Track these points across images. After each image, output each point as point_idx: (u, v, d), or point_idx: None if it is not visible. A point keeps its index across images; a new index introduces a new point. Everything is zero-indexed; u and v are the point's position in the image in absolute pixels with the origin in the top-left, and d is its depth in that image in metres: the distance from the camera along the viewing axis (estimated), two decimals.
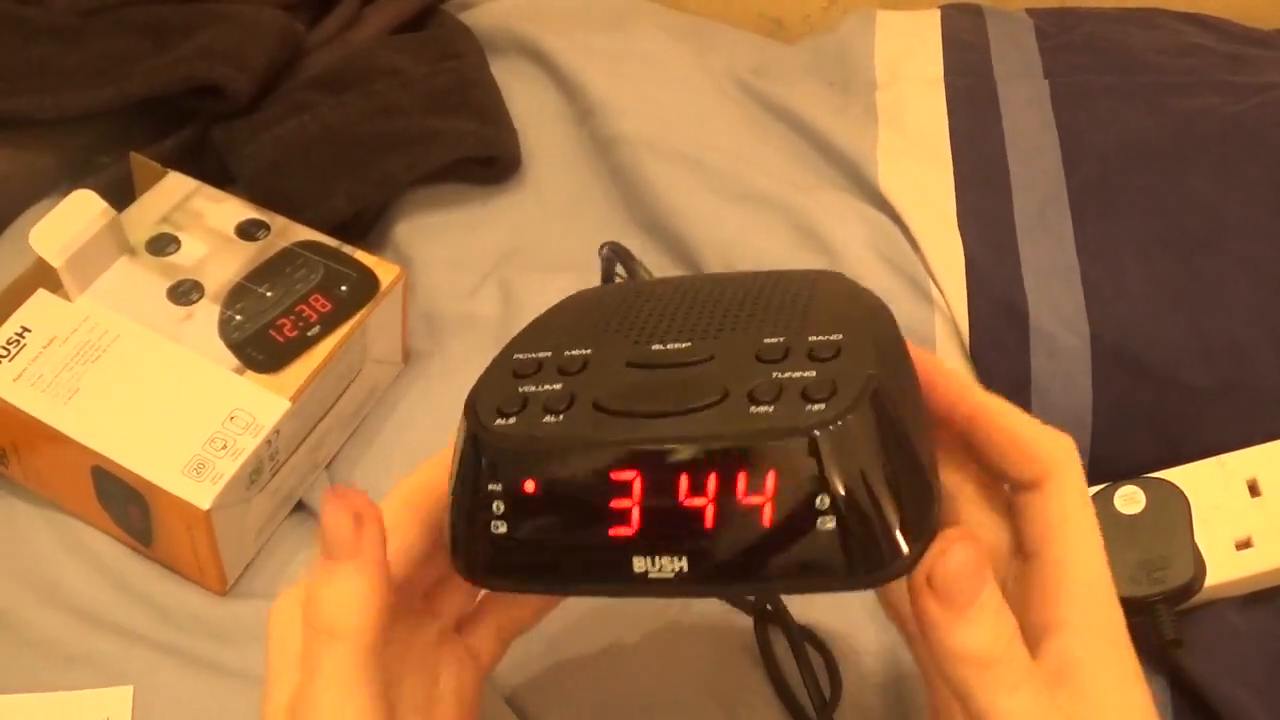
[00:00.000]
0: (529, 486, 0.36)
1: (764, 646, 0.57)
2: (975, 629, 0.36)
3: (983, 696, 0.36)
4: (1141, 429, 0.63)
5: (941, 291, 0.65)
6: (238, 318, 0.61)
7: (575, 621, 0.58)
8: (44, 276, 0.61)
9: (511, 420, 0.37)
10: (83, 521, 0.61)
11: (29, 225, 0.61)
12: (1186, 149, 0.69)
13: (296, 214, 0.67)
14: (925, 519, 0.36)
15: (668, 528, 0.35)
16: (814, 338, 0.37)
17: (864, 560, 0.34)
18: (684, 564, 0.35)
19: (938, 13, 0.81)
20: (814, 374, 0.35)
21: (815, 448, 0.34)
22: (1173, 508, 0.60)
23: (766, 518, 0.34)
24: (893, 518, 0.35)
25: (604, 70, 0.77)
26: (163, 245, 0.64)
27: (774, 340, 0.37)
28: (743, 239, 0.68)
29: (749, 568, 0.35)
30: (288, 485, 0.61)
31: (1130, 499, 0.60)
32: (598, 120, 0.75)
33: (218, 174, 0.71)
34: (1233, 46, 0.78)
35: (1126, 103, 0.72)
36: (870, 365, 0.35)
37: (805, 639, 0.57)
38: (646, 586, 0.35)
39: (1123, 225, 0.67)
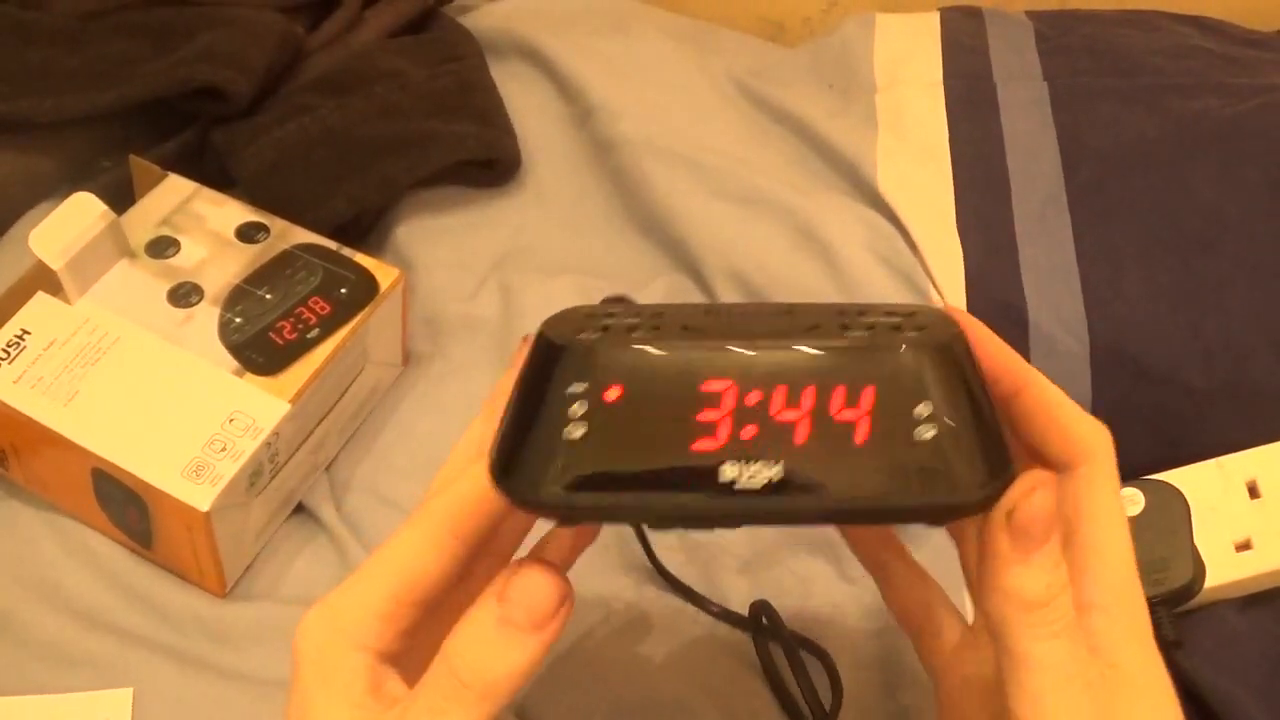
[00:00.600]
0: (614, 393, 0.34)
1: (763, 657, 0.57)
2: (1036, 571, 0.37)
3: (1024, 638, 0.37)
4: (1141, 430, 0.63)
5: (940, 294, 0.65)
6: (237, 320, 0.61)
7: (574, 624, 0.58)
8: (44, 279, 0.61)
9: (597, 335, 0.35)
10: (82, 523, 0.61)
11: (29, 228, 0.61)
12: (1186, 151, 0.69)
13: (296, 216, 0.67)
14: (1009, 454, 0.36)
15: (762, 437, 0.34)
16: (890, 310, 0.37)
17: (960, 482, 0.35)
18: (777, 471, 0.34)
19: (937, 15, 0.81)
20: (900, 317, 0.35)
21: (918, 362, 0.34)
22: (1172, 509, 0.60)
23: (864, 432, 0.34)
24: (989, 441, 0.35)
25: (604, 73, 0.77)
26: (162, 248, 0.64)
27: (856, 308, 0.37)
28: (742, 241, 0.68)
29: (844, 482, 0.34)
30: (287, 487, 0.61)
31: (1130, 500, 0.60)
32: (597, 122, 0.75)
33: (218, 177, 0.71)
34: (1232, 48, 0.78)
35: (1126, 105, 0.72)
36: (946, 316, 0.36)
37: (802, 646, 0.57)
38: (734, 500, 0.34)
39: (1122, 227, 0.67)
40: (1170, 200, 0.67)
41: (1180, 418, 0.63)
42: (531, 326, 0.68)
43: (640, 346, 0.34)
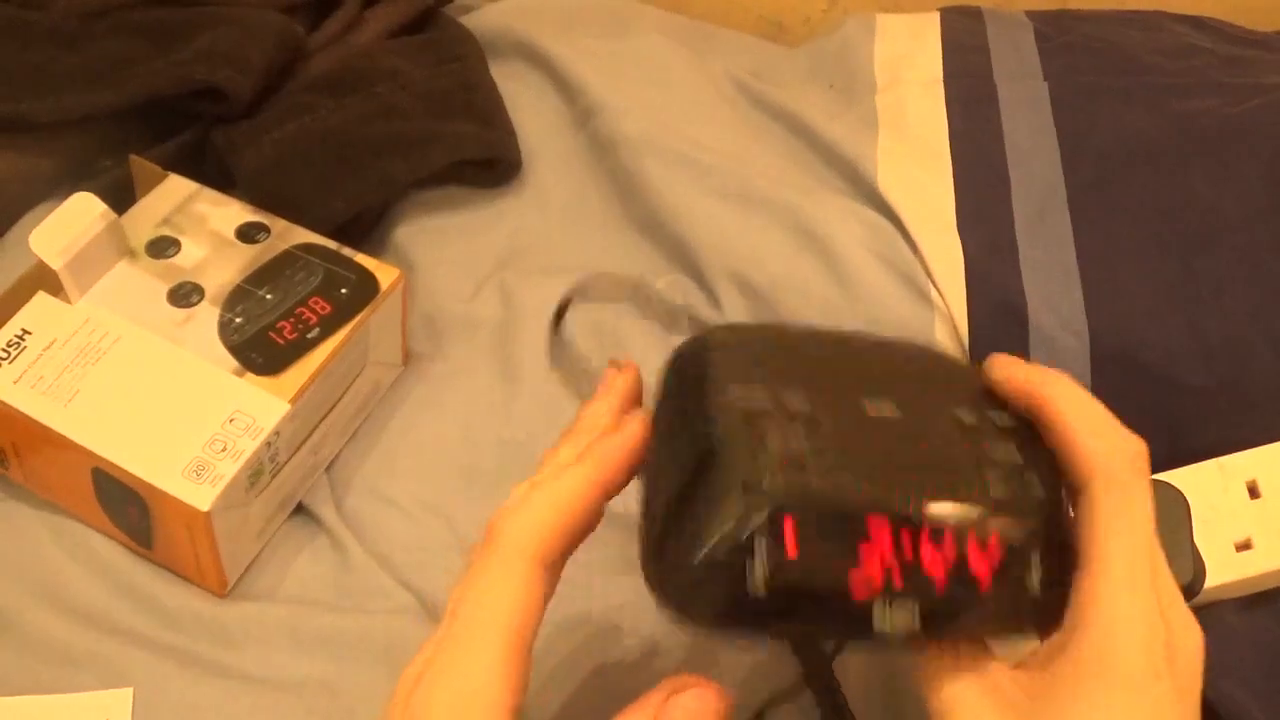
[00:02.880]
0: (788, 533, 0.37)
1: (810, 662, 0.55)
2: None
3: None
4: (1141, 429, 0.62)
5: (941, 293, 0.65)
6: (238, 320, 0.61)
7: (572, 622, 0.58)
8: (44, 279, 0.61)
9: (778, 478, 0.37)
10: (83, 523, 0.61)
11: (29, 228, 0.61)
12: (1186, 150, 0.69)
13: (297, 216, 0.67)
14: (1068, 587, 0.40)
15: (907, 582, 0.38)
16: (992, 412, 0.41)
17: (1047, 620, 0.40)
18: (914, 618, 0.38)
19: (937, 15, 0.81)
20: (1011, 447, 0.40)
21: (1037, 522, 0.39)
22: (1172, 509, 0.60)
23: (988, 581, 0.38)
24: (1064, 593, 0.40)
25: (604, 73, 0.77)
26: (163, 248, 0.64)
27: (962, 410, 0.40)
28: (742, 241, 0.68)
29: (963, 625, 0.39)
30: (288, 487, 0.61)
31: None
32: (598, 123, 0.75)
33: (218, 177, 0.71)
34: (1231, 48, 0.78)
35: (1126, 104, 0.72)
36: (1039, 442, 0.40)
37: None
38: (872, 639, 0.38)
39: (1122, 226, 0.67)
40: (1170, 199, 0.67)
41: (1180, 417, 0.63)
42: (532, 327, 0.69)
43: (810, 482, 0.37)
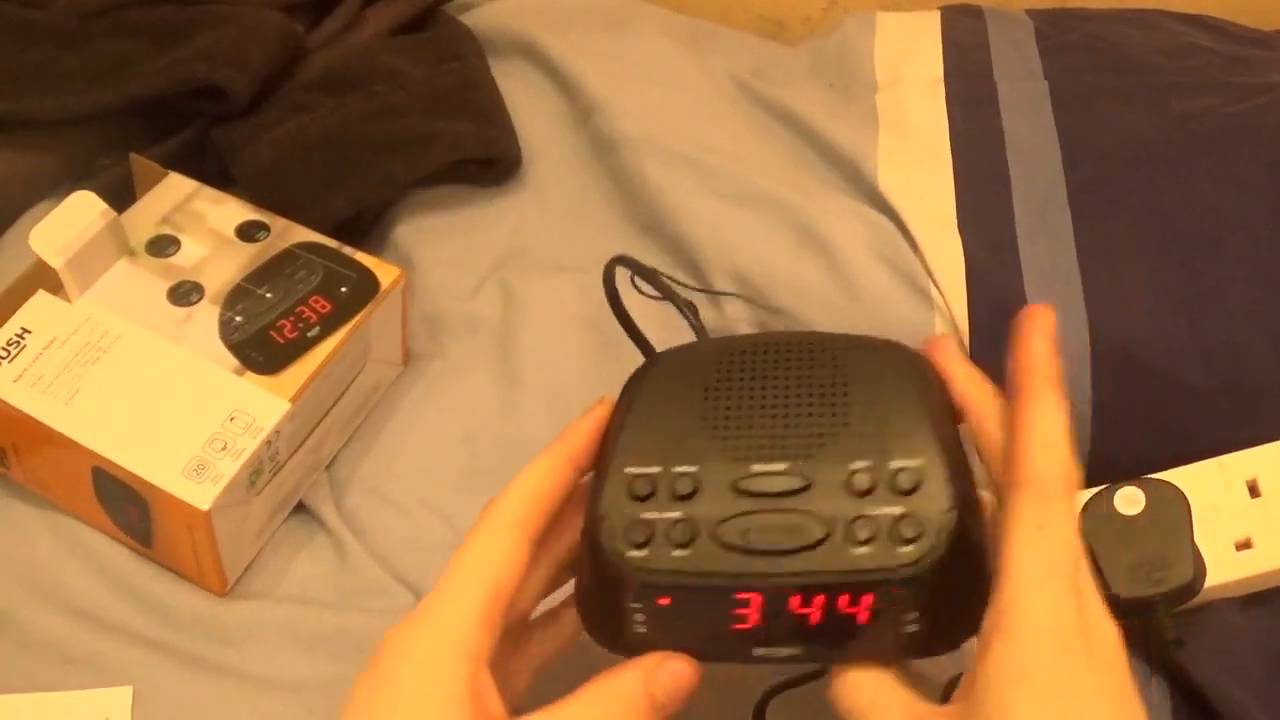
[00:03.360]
0: (665, 603, 0.43)
1: None
2: None
3: None
4: (1141, 429, 0.63)
5: (941, 293, 0.65)
6: (238, 319, 0.61)
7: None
8: (44, 278, 0.61)
9: (644, 552, 0.43)
10: (83, 522, 0.61)
11: (29, 226, 0.61)
12: (1186, 150, 0.69)
13: (297, 215, 0.67)
14: (981, 609, 0.43)
15: (782, 629, 0.44)
16: (895, 463, 0.43)
17: (939, 646, 0.44)
18: (795, 650, 0.44)
19: (937, 14, 0.81)
20: (900, 511, 0.43)
21: (909, 585, 0.42)
22: (1173, 508, 0.60)
23: (863, 621, 0.43)
24: (962, 620, 0.44)
25: (604, 72, 0.77)
26: (163, 246, 0.64)
27: (861, 466, 0.44)
28: (743, 240, 0.68)
29: (846, 651, 0.44)
30: (288, 486, 0.61)
31: (1130, 499, 0.60)
32: (598, 122, 0.75)
33: (218, 175, 0.71)
34: (1232, 47, 0.78)
35: (1126, 104, 0.72)
36: (946, 498, 0.43)
37: None
38: (763, 663, 0.45)
39: (1123, 226, 0.67)
40: (1171, 199, 0.67)
41: (1181, 417, 0.63)
42: (532, 326, 0.69)
43: (683, 569, 0.43)
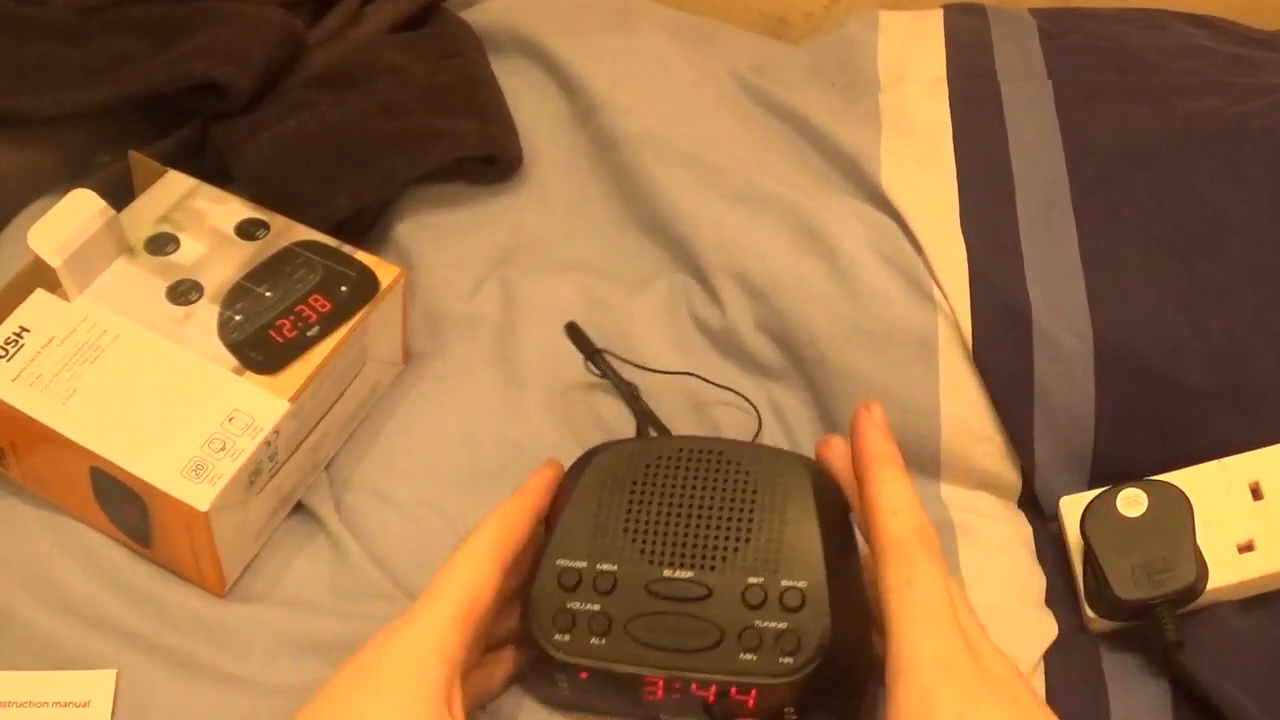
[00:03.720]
0: (584, 677, 0.52)
1: None
2: None
3: None
4: (1144, 431, 0.63)
5: (944, 293, 0.65)
6: (237, 318, 0.61)
7: None
8: (42, 276, 0.61)
9: (567, 637, 0.52)
10: (81, 522, 0.61)
11: (28, 224, 0.61)
12: (1190, 151, 0.68)
13: (297, 213, 0.66)
14: (851, 704, 0.54)
15: (684, 704, 0.52)
16: (785, 582, 0.51)
17: None
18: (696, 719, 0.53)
19: (940, 12, 0.80)
20: (784, 626, 0.51)
21: (787, 688, 0.51)
22: (1175, 510, 0.60)
23: (751, 707, 0.52)
24: (835, 709, 0.53)
25: (606, 69, 0.77)
26: (162, 245, 0.64)
27: (756, 581, 0.52)
28: (745, 241, 0.68)
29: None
30: (287, 486, 0.61)
31: (1132, 501, 0.60)
32: (599, 120, 0.75)
33: (218, 173, 0.71)
34: (1236, 48, 0.78)
35: (1129, 104, 0.71)
36: (824, 617, 0.51)
37: None
38: None
39: (1126, 227, 0.66)
40: (1174, 201, 0.67)
41: (1183, 419, 0.63)
42: (532, 325, 0.69)
43: (599, 655, 0.52)
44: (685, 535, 0.53)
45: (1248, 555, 0.59)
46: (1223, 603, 0.59)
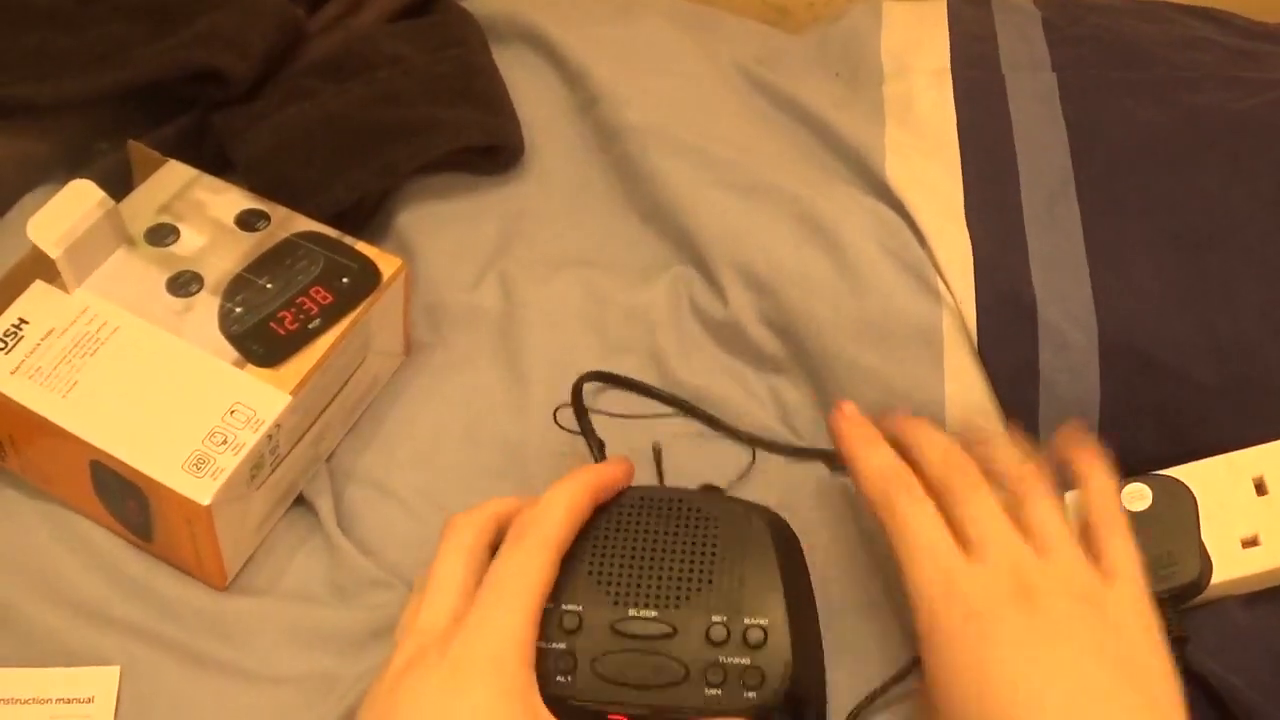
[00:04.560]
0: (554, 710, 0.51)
1: None
2: None
3: None
4: (1149, 425, 0.63)
5: (949, 286, 0.65)
6: (238, 310, 0.61)
7: None
8: (42, 267, 0.60)
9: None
10: (81, 515, 0.60)
11: (26, 214, 0.60)
12: (1195, 145, 0.68)
13: (297, 202, 0.66)
14: None
15: None
16: (747, 620, 0.53)
17: None
18: None
19: (944, 3, 0.80)
20: (748, 662, 0.52)
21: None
22: (1180, 505, 0.59)
23: None
24: None
25: (608, 59, 0.77)
26: (162, 236, 0.64)
27: (719, 620, 0.53)
28: (748, 233, 0.68)
29: None
30: (289, 479, 0.61)
31: (1137, 496, 0.60)
32: (602, 110, 0.75)
33: (218, 161, 0.70)
34: (1241, 41, 0.77)
35: (1135, 97, 0.71)
36: (786, 653, 0.52)
37: None
38: None
39: (1132, 221, 0.66)
40: (1180, 195, 0.66)
41: (1189, 414, 0.62)
42: (534, 317, 0.69)
43: (562, 695, 0.52)
44: (648, 577, 0.54)
45: (1252, 550, 0.59)
46: (1227, 599, 0.59)
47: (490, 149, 0.74)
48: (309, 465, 0.62)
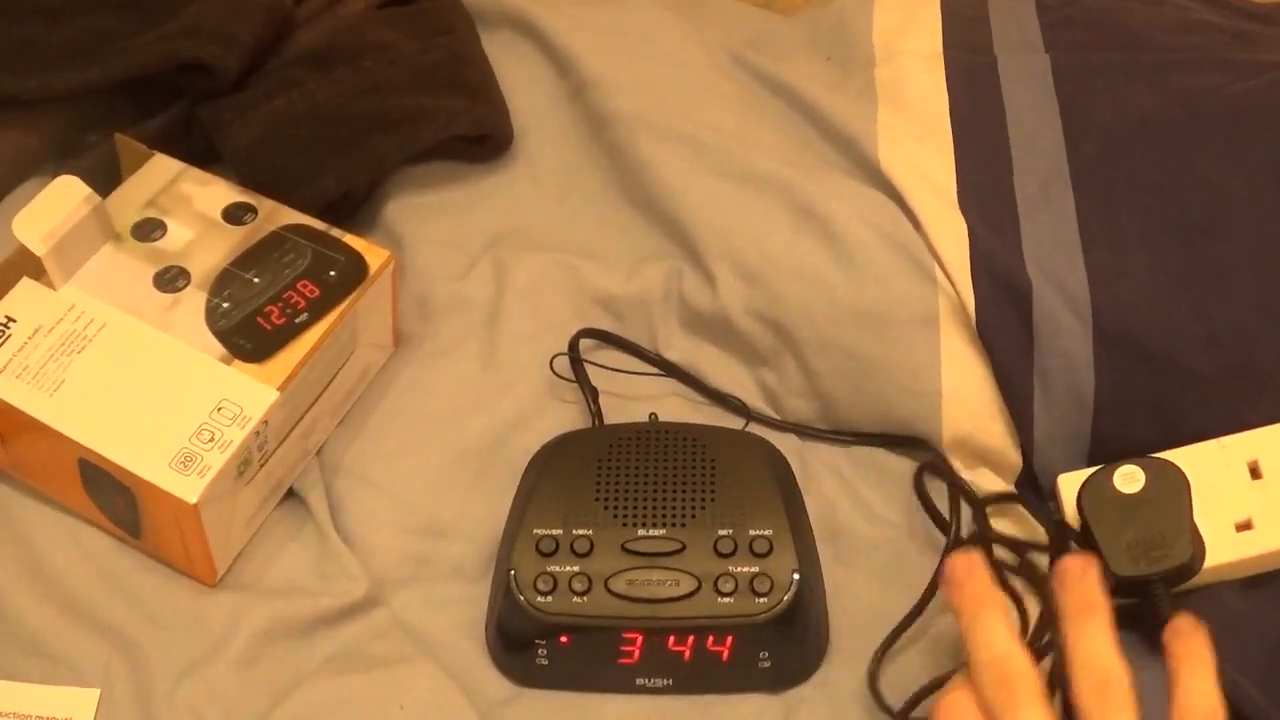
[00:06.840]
0: (565, 641, 0.55)
1: None
2: None
3: None
4: (1143, 411, 0.63)
5: (946, 272, 0.64)
6: (225, 305, 0.61)
7: None
8: (28, 264, 0.60)
9: (549, 598, 0.55)
10: (70, 513, 0.60)
11: (13, 209, 0.60)
12: (1190, 129, 0.67)
13: (285, 194, 0.66)
14: (819, 656, 0.58)
15: (659, 663, 0.56)
16: (753, 531, 0.56)
17: (784, 683, 0.58)
18: (669, 681, 0.57)
19: None
20: (756, 570, 0.55)
21: (762, 628, 0.55)
22: (1172, 487, 0.59)
23: (725, 659, 0.56)
24: (807, 660, 0.58)
25: (597, 45, 0.76)
26: (148, 230, 0.63)
27: (725, 533, 0.56)
28: (741, 221, 0.67)
29: (710, 684, 0.57)
30: (277, 474, 0.61)
31: (1130, 478, 0.60)
32: (591, 97, 0.74)
33: (205, 152, 0.70)
34: (1236, 23, 0.76)
35: (1128, 80, 0.70)
36: (792, 559, 0.56)
37: None
38: (643, 692, 0.57)
39: (1126, 207, 0.65)
40: (1174, 180, 0.66)
41: (1183, 400, 0.62)
42: (523, 307, 0.68)
43: (579, 614, 0.54)
44: (654, 499, 0.57)
45: (1245, 534, 0.59)
46: (1220, 585, 0.59)
47: (479, 138, 0.74)
48: (299, 459, 0.62)
